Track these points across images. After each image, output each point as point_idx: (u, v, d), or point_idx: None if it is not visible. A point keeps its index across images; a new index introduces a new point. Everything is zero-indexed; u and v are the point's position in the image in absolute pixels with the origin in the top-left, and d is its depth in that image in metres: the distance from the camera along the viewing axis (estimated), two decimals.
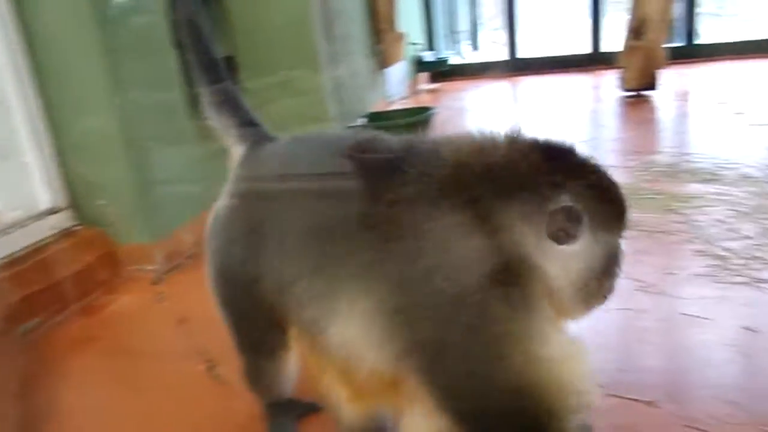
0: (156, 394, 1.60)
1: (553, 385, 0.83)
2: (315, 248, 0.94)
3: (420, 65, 5.93)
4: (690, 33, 5.80)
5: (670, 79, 4.92)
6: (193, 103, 2.39)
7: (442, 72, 6.19)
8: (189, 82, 2.35)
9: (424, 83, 6.17)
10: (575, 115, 4.40)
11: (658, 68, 4.45)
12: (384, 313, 0.85)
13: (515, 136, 0.87)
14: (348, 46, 3.18)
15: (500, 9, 6.35)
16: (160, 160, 2.34)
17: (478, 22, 8.12)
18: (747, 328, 1.57)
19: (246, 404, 1.36)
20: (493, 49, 7.15)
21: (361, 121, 3.30)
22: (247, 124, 1.18)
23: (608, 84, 4.86)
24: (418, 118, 3.14)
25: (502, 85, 5.95)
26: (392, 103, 5.08)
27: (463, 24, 7.74)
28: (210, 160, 2.38)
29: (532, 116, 4.71)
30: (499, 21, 6.47)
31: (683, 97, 4.65)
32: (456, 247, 0.83)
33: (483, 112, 4.93)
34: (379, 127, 3.19)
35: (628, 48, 4.39)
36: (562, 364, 0.83)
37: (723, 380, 1.40)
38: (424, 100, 5.56)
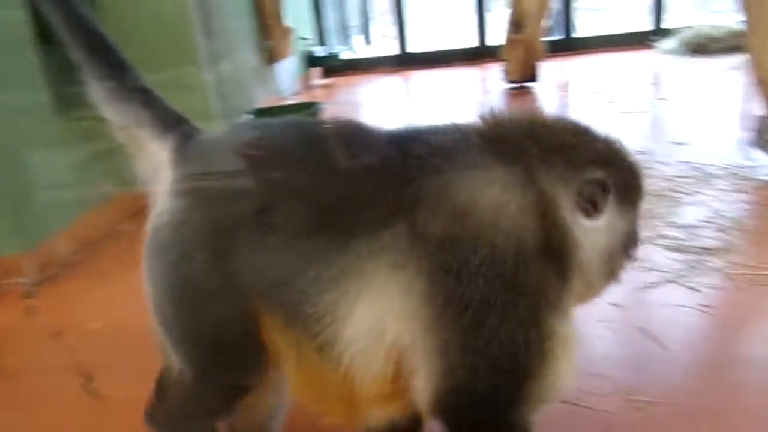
0: (31, 412, 1.52)
1: (548, 370, 0.87)
2: (325, 234, 0.87)
3: (311, 60, 5.89)
4: (568, 27, 6.09)
5: (551, 70, 5.14)
6: (64, 102, 2.26)
7: (334, 67, 6.17)
8: (58, 81, 2.21)
9: (317, 78, 6.14)
10: (464, 107, 4.53)
11: (538, 61, 4.64)
12: (425, 276, 0.83)
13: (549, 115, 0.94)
14: (231, 41, 3.11)
15: (391, 4, 6.41)
16: (28, 164, 2.19)
17: (370, 16, 8.17)
18: (614, 304, 1.67)
19: (122, 418, 1.30)
20: (385, 43, 7.21)
21: (246, 118, 3.24)
22: (165, 115, 1.02)
23: (494, 76, 5.02)
24: (305, 113, 3.12)
25: (394, 80, 6.02)
26: (284, 98, 5.02)
27: (355, 18, 7.76)
28: (85, 164, 2.25)
29: (424, 109, 4.80)
30: (390, 15, 6.52)
31: (563, 87, 4.89)
32: (502, 212, 0.84)
33: (377, 106, 4.96)
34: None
35: (510, 42, 4.56)
36: (564, 350, 0.87)
37: (592, 354, 1.48)
38: (317, 96, 5.53)
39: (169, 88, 2.74)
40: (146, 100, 1.02)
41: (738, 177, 2.46)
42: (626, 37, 5.93)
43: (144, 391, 1.12)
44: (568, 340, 0.88)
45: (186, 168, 0.96)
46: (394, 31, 6.40)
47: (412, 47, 6.40)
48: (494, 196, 0.84)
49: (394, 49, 6.43)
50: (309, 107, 3.23)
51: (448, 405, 0.88)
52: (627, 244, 0.94)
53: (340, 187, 0.90)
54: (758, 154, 2.56)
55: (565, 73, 5.30)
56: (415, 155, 0.89)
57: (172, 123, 1.01)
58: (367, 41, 7.85)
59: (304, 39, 5.75)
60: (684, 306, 1.66)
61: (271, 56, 4.61)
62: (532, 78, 4.68)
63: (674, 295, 1.72)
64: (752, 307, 1.70)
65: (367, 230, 0.86)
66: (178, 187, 0.95)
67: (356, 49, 7.25)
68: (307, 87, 5.82)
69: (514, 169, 0.86)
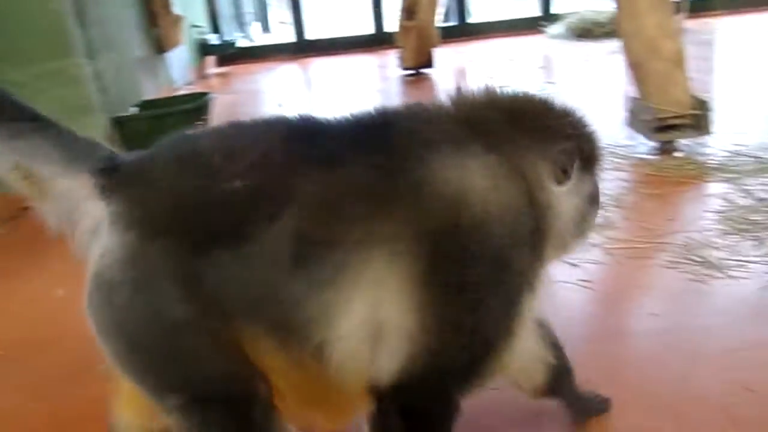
0: None
1: (509, 348, 0.90)
2: (314, 234, 0.82)
3: (205, 49, 5.71)
4: (462, 12, 6.20)
5: (447, 56, 5.23)
6: None
7: (230, 55, 6.01)
8: None
9: (212, 67, 5.97)
10: (362, 94, 4.53)
11: (433, 47, 4.70)
12: (420, 263, 0.83)
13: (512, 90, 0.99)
14: (113, 31, 2.96)
15: None
16: None
17: (267, 2, 8.01)
18: None
19: None
20: (282, 30, 7.09)
21: (132, 110, 3.10)
22: (73, 145, 0.88)
23: (391, 63, 5.05)
24: (194, 104, 3.01)
25: (293, 67, 5.94)
26: (178, 89, 4.84)
27: (251, 5, 7.58)
28: None
29: (324, 97, 4.76)
30: (286, 1, 6.41)
31: (460, 73, 4.98)
32: (491, 192, 0.87)
33: (276, 95, 4.88)
34: (152, 116, 3.05)
35: (403, 28, 4.59)
36: (523, 328, 0.92)
37: None
38: (212, 85, 5.38)
39: (44, 82, 2.59)
40: (44, 131, 0.87)
41: (617, 156, 2.59)
42: (518, 23, 6.12)
43: None
44: (528, 318, 0.93)
45: (127, 196, 0.85)
46: (290, 17, 6.30)
47: (310, 34, 6.33)
48: (484, 181, 0.87)
49: (291, 37, 6.34)
50: (199, 98, 3.11)
51: (409, 384, 0.87)
52: (593, 204, 1.05)
53: (323, 183, 0.85)
54: (633, 134, 2.71)
55: (460, 58, 5.40)
56: (399, 144, 0.88)
57: (85, 152, 0.88)
58: (265, 28, 7.70)
59: (196, 27, 5.56)
60: (565, 282, 1.73)
61: (160, 45, 4.43)
62: (428, 64, 4.73)
63: (555, 271, 1.78)
64: (630, 281, 1.79)
65: (359, 224, 0.84)
66: (122, 219, 0.83)
67: (253, 36, 7.09)
68: (202, 77, 5.64)
69: (498, 152, 0.89)
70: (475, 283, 0.86)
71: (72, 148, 0.87)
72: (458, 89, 0.98)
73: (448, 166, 0.86)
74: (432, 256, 0.84)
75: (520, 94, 1.01)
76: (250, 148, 0.88)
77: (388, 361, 0.86)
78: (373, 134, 0.91)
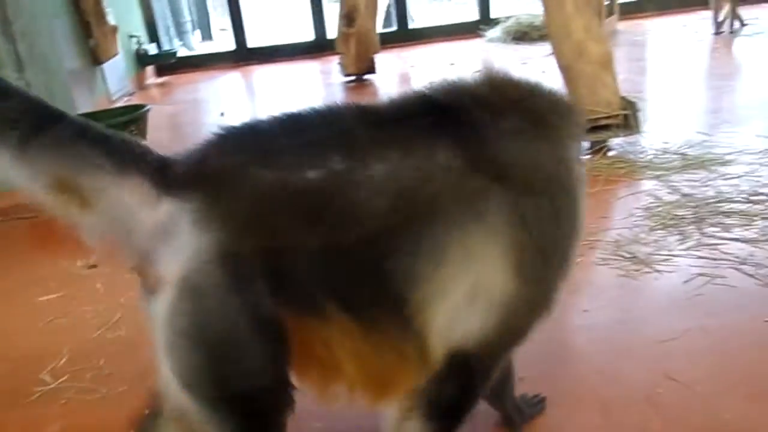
0: None
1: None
2: (413, 210, 0.84)
3: (144, 59, 5.61)
4: (403, 18, 6.25)
5: (389, 62, 5.28)
6: None
7: (169, 65, 5.92)
8: None
9: (152, 78, 5.86)
10: (305, 100, 4.52)
11: (374, 53, 4.73)
12: (509, 228, 0.89)
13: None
14: (43, 43, 2.87)
15: None
16: None
17: (208, 10, 7.93)
18: None
19: None
20: (223, 38, 7.02)
21: None
22: (125, 148, 0.82)
23: (334, 70, 5.05)
24: (130, 117, 2.95)
25: (234, 76, 5.89)
26: (117, 100, 4.74)
27: (190, 13, 7.48)
28: None
29: (266, 104, 4.73)
30: (225, 9, 6.34)
31: (402, 78, 5.03)
32: (557, 165, 0.95)
33: (218, 104, 4.83)
34: None
35: (343, 35, 4.61)
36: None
37: None
38: (152, 96, 5.29)
39: None
40: (88, 137, 0.81)
41: None
42: (458, 27, 6.22)
43: None
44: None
45: (203, 195, 0.80)
46: (230, 25, 6.24)
47: (251, 42, 6.28)
48: (547, 153, 0.95)
49: (232, 45, 6.29)
50: (135, 110, 3.05)
51: (485, 345, 0.93)
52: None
53: (405, 164, 0.86)
54: None
55: (402, 63, 5.46)
56: (470, 125, 0.91)
57: (133, 155, 0.83)
58: (206, 36, 7.61)
59: (133, 37, 5.46)
60: None
61: (95, 57, 4.33)
62: (370, 70, 4.76)
63: None
64: None
65: (450, 199, 0.86)
66: (206, 219, 0.79)
67: (193, 45, 7.00)
68: (142, 87, 5.55)
69: (545, 129, 0.96)
70: (553, 244, 0.96)
71: (120, 152, 0.81)
72: (489, 70, 1.01)
73: (518, 142, 0.93)
74: (518, 222, 0.90)
75: (520, 78, 1.05)
76: (317, 135, 0.87)
77: (477, 325, 0.91)
78: (437, 118, 0.91)
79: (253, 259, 0.80)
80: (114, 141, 0.82)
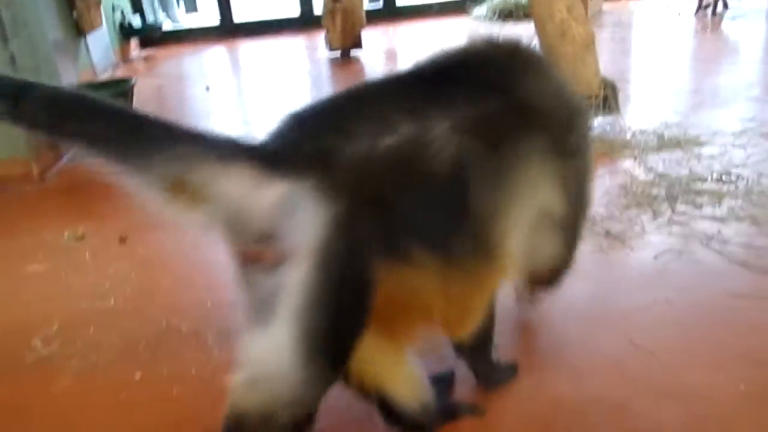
0: None
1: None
2: (483, 156, 0.98)
3: (128, 31, 5.56)
4: None
5: (375, 38, 5.28)
6: None
7: (155, 38, 5.87)
8: None
9: (136, 50, 5.82)
10: (291, 76, 4.52)
11: (360, 29, 4.73)
12: (555, 162, 1.11)
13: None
14: (25, 13, 2.85)
15: None
16: None
17: None
18: None
19: None
20: (209, 12, 6.95)
21: None
22: (223, 142, 0.89)
23: (320, 45, 5.05)
24: (114, 91, 2.95)
25: (220, 50, 5.85)
26: (101, 73, 4.71)
27: None
28: None
29: (252, 79, 4.73)
30: None
31: (388, 54, 5.03)
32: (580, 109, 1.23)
33: (203, 78, 4.80)
34: None
35: (329, 11, 4.60)
36: None
37: None
38: (137, 69, 5.25)
39: None
40: (183, 137, 0.87)
41: None
42: (445, 5, 6.21)
43: None
44: None
45: (313, 174, 0.86)
46: None
47: (237, 17, 6.24)
48: (574, 101, 1.21)
49: (217, 19, 6.24)
50: (120, 85, 3.05)
51: (554, 268, 1.31)
52: None
53: (471, 116, 0.99)
54: None
55: (389, 40, 5.46)
56: (509, 77, 1.11)
57: (227, 145, 0.89)
58: (189, 8, 7.52)
59: (117, 8, 5.40)
60: None
61: (78, 28, 4.29)
62: (356, 45, 4.77)
63: None
64: None
65: (512, 140, 1.03)
66: (325, 193, 0.85)
67: (179, 18, 6.93)
68: (126, 60, 5.51)
69: (557, 74, 1.22)
70: (585, 174, 1.23)
71: (217, 145, 0.87)
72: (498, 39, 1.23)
73: (552, 97, 1.14)
74: (560, 157, 1.11)
75: (527, 47, 1.26)
76: (391, 102, 0.98)
77: (544, 250, 1.18)
78: (481, 73, 1.11)
79: (364, 224, 0.89)
80: (207, 137, 0.87)
